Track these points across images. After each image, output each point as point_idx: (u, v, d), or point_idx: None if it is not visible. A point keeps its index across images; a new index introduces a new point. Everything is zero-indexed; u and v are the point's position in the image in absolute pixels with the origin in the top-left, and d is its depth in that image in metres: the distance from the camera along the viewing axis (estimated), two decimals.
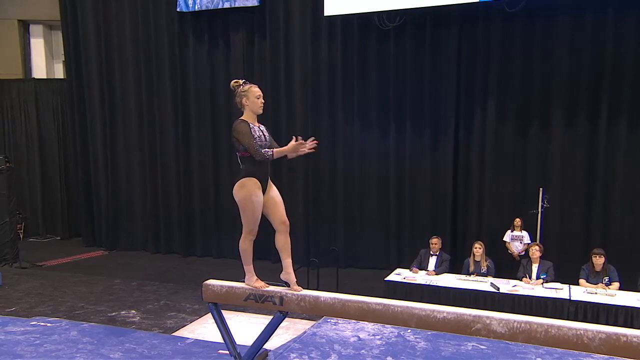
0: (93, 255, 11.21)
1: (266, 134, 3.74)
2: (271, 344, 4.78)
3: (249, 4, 9.93)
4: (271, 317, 3.65)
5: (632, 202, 8.38)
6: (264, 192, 3.67)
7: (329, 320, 5.33)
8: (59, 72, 13.13)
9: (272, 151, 3.58)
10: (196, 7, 10.26)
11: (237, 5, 9.98)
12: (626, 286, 6.90)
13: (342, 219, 10.07)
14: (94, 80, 11.52)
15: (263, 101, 3.76)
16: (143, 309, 6.87)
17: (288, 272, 3.66)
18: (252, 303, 3.40)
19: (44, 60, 13.08)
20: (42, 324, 5.49)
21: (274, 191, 3.79)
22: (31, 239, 12.51)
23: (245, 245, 3.70)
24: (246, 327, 5.45)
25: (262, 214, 3.67)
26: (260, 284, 3.62)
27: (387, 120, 9.70)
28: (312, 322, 5.72)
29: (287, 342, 4.88)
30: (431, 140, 9.48)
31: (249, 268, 3.71)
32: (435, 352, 4.76)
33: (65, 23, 11.68)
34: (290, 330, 5.58)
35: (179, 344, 4.81)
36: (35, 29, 12.97)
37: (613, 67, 8.26)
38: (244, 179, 3.61)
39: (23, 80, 12.72)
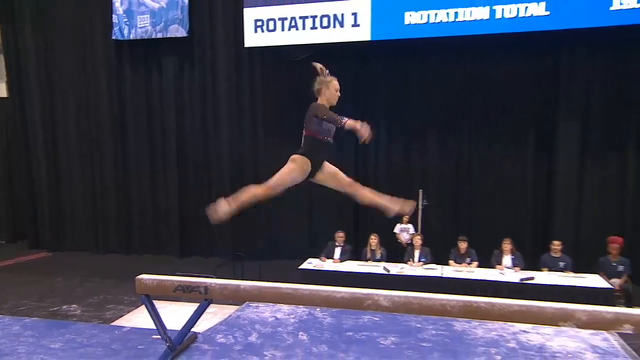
0: (37, 257, 10.41)
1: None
2: (201, 328, 4.70)
3: (179, 35, 9.67)
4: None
5: (488, 199, 9.07)
6: (313, 174, 3.45)
7: (251, 304, 5.31)
8: (2, 91, 12.10)
9: (345, 120, 3.18)
10: (131, 36, 9.85)
11: (168, 35, 9.70)
12: (483, 264, 7.46)
13: (265, 219, 10.07)
14: (34, 98, 10.74)
15: (339, 95, 3.48)
16: (84, 303, 6.49)
17: (388, 205, 3.39)
18: (180, 293, 3.35)
19: None
20: None
21: (327, 167, 3.55)
22: None
23: (256, 191, 3.43)
24: (179, 315, 5.31)
25: (334, 188, 3.41)
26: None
27: (298, 137, 9.80)
28: (237, 307, 5.67)
29: (215, 325, 4.81)
30: (336, 151, 9.67)
31: (236, 200, 3.46)
32: (339, 325, 4.88)
33: (5, 44, 10.80)
34: (218, 315, 5.51)
35: (116, 332, 4.59)
36: None
37: (474, 95, 8.94)
38: (298, 155, 3.41)
39: None
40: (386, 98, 9.38)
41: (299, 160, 3.38)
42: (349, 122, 3.16)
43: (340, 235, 8.09)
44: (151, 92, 10.35)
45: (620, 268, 6.98)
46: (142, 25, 9.72)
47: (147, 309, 3.47)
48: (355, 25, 8.46)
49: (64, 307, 6.31)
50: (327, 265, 7.68)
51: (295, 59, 9.39)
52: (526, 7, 7.67)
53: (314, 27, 8.63)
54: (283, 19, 8.77)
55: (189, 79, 10.15)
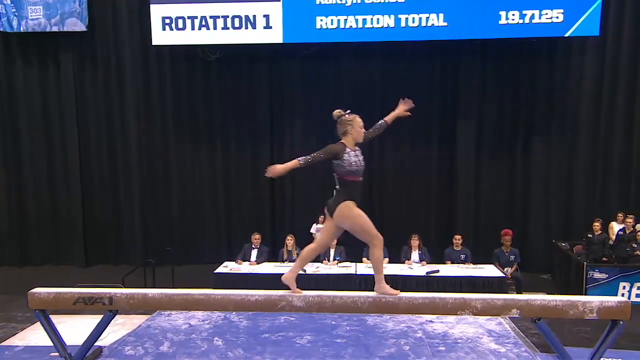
0: None
1: (361, 157, 3.46)
2: (107, 341, 4.41)
3: (77, 29, 8.96)
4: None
5: (397, 196, 9.51)
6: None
7: (162, 313, 5.09)
8: None
9: (304, 159, 3.29)
10: (22, 29, 8.95)
11: (65, 29, 8.95)
12: (393, 260, 7.78)
13: (178, 222, 9.72)
14: None
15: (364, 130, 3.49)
16: None
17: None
18: (81, 306, 3.11)
19: None
20: None
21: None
22: None
23: (379, 253, 3.36)
24: (83, 328, 4.93)
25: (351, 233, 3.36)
26: (393, 291, 3.31)
27: (213, 138, 9.63)
28: (148, 316, 5.40)
29: (123, 336, 4.54)
30: (252, 153, 9.65)
31: (381, 277, 3.37)
32: (255, 328, 4.85)
33: None
34: (126, 325, 5.20)
35: (6, 352, 4.15)
36: None
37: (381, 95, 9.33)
38: (347, 202, 3.31)
39: None
40: (300, 99, 9.47)
41: (351, 205, 3.34)
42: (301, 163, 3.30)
43: (256, 237, 8.01)
44: (47, 90, 9.52)
45: (512, 258, 7.69)
46: (34, 17, 8.88)
47: (42, 324, 3.18)
48: (268, 27, 8.46)
49: None
50: (244, 268, 7.58)
51: (208, 58, 9.17)
52: (427, 17, 8.19)
53: (225, 28, 8.49)
54: (193, 18, 8.52)
55: (91, 78, 9.48)
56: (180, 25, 8.54)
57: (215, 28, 8.51)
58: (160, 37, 8.65)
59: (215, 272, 7.42)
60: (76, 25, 8.93)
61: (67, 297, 3.13)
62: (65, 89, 9.42)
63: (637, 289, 7.15)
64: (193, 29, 8.54)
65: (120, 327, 5.07)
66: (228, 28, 8.49)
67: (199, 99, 9.51)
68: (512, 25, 8.13)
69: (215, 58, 9.14)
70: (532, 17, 8.08)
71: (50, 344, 3.39)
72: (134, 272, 7.78)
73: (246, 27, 8.49)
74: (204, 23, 8.50)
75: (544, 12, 8.05)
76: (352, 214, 3.32)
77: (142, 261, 8.67)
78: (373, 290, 3.43)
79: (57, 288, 3.28)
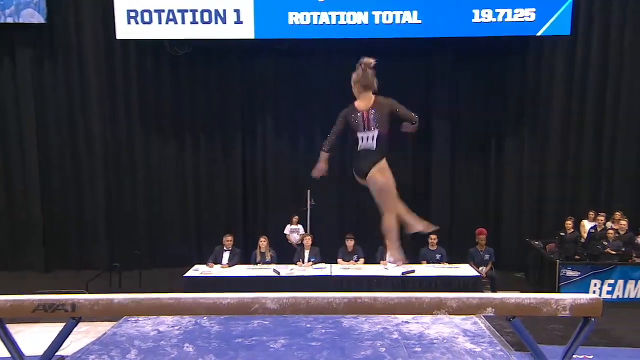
0: None
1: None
2: (70, 350, 4.30)
3: (35, 21, 8.65)
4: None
5: (368, 197, 9.55)
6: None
7: (129, 319, 4.98)
8: None
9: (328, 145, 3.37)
10: None
11: (21, 21, 8.63)
12: (369, 260, 7.86)
13: (146, 224, 9.52)
14: None
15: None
16: None
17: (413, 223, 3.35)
18: (41, 313, 3.00)
19: None
20: None
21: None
22: None
23: (393, 222, 3.31)
24: (44, 337, 4.78)
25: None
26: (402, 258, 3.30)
27: (182, 135, 9.49)
28: (114, 323, 5.28)
29: (87, 345, 4.43)
30: (223, 151, 9.55)
31: (396, 245, 3.34)
32: (227, 332, 4.81)
33: None
34: (90, 333, 5.07)
35: None
36: None
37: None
38: (385, 162, 3.23)
39: None
40: (272, 96, 9.43)
41: (387, 166, 3.31)
42: None
43: (228, 239, 7.93)
44: (2, 85, 9.16)
45: (487, 257, 7.86)
46: None
47: None
48: (239, 22, 8.39)
49: None
50: (215, 271, 7.50)
51: (176, 54, 9.03)
52: (401, 15, 8.29)
53: (194, 22, 8.37)
54: (160, 11, 8.37)
55: (51, 72, 9.19)
56: (147, 18, 8.37)
57: (183, 22, 8.38)
58: (125, 30, 8.46)
59: (185, 275, 7.33)
60: (33, 16, 8.64)
61: (25, 304, 3.02)
62: (22, 84, 9.09)
63: (608, 285, 7.42)
64: (160, 22, 8.38)
65: (84, 335, 4.94)
66: (197, 22, 8.37)
67: (168, 95, 9.35)
68: (486, 24, 8.31)
69: (185, 53, 9.01)
70: (505, 15, 8.27)
71: (8, 354, 3.27)
72: (98, 276, 7.61)
73: (216, 22, 8.39)
74: (171, 17, 8.36)
75: (516, 10, 8.26)
76: (385, 176, 3.29)
77: (107, 265, 8.49)
78: (348, 291, 3.44)
79: (15, 295, 3.16)
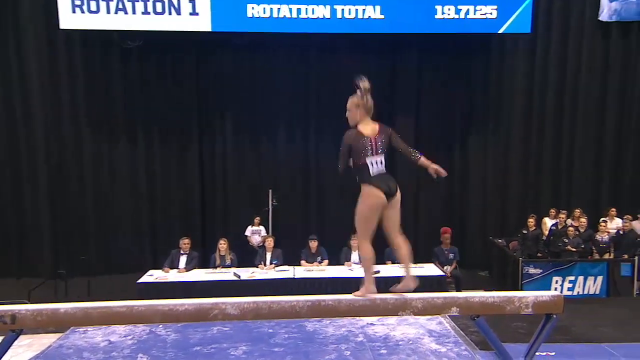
0: None
1: None
2: None
3: None
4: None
5: (335, 196, 9.58)
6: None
7: (77, 330, 4.80)
8: None
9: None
10: None
11: None
12: (334, 262, 7.86)
13: (94, 227, 9.20)
14: None
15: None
16: None
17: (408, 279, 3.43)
18: None
19: None
20: None
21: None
22: None
23: (369, 249, 3.44)
24: None
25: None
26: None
27: (134, 132, 9.21)
28: (60, 335, 5.06)
29: (30, 359, 4.22)
30: (179, 150, 9.35)
31: (371, 279, 3.38)
32: (185, 341, 4.71)
33: None
34: (34, 346, 4.83)
35: None
36: None
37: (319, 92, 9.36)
38: (365, 189, 3.37)
39: None
40: (230, 91, 9.30)
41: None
42: None
43: (185, 242, 7.76)
44: None
45: (451, 256, 8.03)
46: None
47: None
48: (194, 13, 8.23)
49: None
50: (172, 276, 7.31)
51: (127, 46, 8.76)
52: (364, 10, 8.35)
53: (146, 12, 8.15)
54: (108, 0, 8.09)
55: None
56: (93, 7, 8.07)
57: (134, 13, 8.14)
58: (69, 20, 8.12)
59: (138, 282, 7.10)
60: None
61: None
62: None
63: (569, 282, 7.74)
64: (108, 12, 8.10)
65: (27, 348, 4.71)
66: (149, 13, 8.14)
67: (117, 90, 9.06)
68: (448, 20, 8.49)
69: (136, 46, 8.75)
70: (467, 12, 8.48)
71: None
72: (42, 285, 7.29)
73: (170, 13, 8.19)
74: (120, 7, 8.09)
75: (478, 7, 8.48)
76: (366, 199, 3.43)
77: (52, 272, 8.15)
78: (313, 294, 3.43)
79: None
